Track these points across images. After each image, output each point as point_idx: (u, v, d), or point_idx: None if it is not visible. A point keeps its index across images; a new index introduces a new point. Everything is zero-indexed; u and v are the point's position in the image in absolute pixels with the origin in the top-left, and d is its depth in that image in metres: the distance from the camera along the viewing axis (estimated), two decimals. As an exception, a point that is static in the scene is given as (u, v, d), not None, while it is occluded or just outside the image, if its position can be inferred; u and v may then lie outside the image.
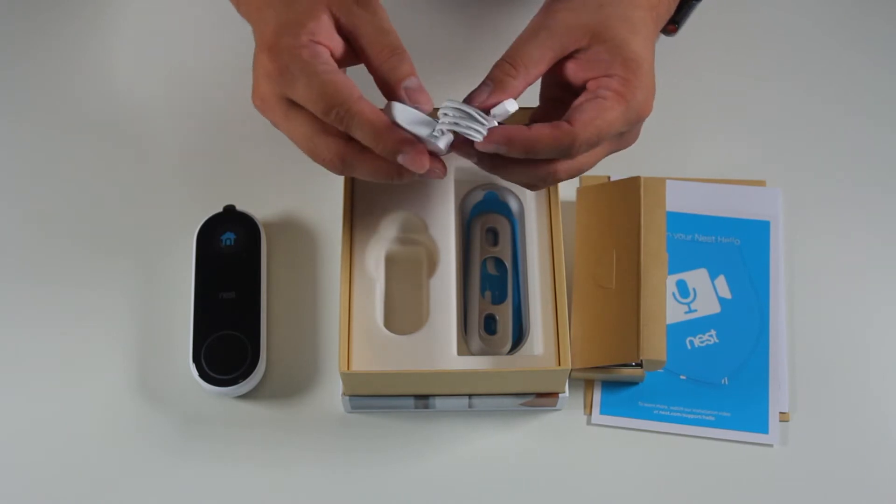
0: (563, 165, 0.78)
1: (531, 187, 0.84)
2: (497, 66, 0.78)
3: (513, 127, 0.76)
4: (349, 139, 0.77)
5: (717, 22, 1.03)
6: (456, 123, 0.76)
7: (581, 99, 0.78)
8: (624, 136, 0.81)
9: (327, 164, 0.78)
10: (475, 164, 0.79)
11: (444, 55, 1.00)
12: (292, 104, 0.77)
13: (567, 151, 0.76)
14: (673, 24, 0.91)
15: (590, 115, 0.76)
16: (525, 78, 0.78)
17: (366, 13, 0.78)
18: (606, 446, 0.86)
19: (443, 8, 1.03)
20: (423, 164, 0.76)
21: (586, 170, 0.80)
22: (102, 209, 0.95)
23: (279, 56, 0.76)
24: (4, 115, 0.99)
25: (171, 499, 0.85)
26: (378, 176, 0.78)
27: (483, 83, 0.78)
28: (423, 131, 0.76)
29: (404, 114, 0.76)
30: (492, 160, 0.78)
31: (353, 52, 0.79)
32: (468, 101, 0.77)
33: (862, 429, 0.87)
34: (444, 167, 0.78)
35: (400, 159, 0.75)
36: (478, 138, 0.76)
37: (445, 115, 0.76)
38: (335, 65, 0.77)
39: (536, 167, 0.78)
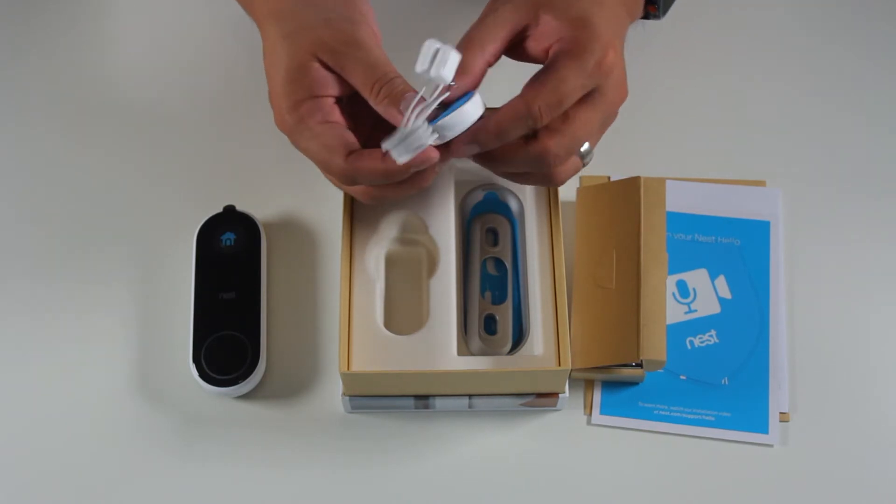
0: (553, 140, 0.78)
1: (546, 180, 0.83)
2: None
3: (475, 125, 0.77)
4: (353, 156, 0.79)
5: (717, 22, 1.03)
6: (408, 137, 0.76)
7: (538, 71, 0.79)
8: (604, 93, 0.79)
9: (361, 200, 0.83)
10: (477, 161, 0.81)
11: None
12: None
13: (530, 119, 0.76)
14: (652, 5, 0.91)
15: (539, 81, 0.77)
16: (482, 57, 0.78)
17: (350, 51, 0.78)
18: (606, 446, 0.86)
19: (445, 8, 1.03)
20: (433, 160, 0.76)
21: (583, 139, 0.79)
22: (102, 209, 0.95)
23: (284, 118, 0.78)
24: (4, 115, 0.99)
25: (171, 499, 0.85)
26: (393, 198, 0.81)
27: None
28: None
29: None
30: (490, 155, 0.79)
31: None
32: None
33: (862, 429, 0.87)
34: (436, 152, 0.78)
35: (413, 169, 0.77)
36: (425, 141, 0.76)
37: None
38: (337, 116, 0.79)
39: (528, 148, 0.78)
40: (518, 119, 0.77)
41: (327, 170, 0.79)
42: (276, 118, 0.80)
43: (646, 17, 0.92)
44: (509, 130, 0.77)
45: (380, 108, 0.77)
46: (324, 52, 0.78)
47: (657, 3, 0.91)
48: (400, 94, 0.76)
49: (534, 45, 0.79)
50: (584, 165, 0.83)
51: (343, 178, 0.78)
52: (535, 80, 0.77)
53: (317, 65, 0.78)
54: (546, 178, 0.83)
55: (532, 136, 0.78)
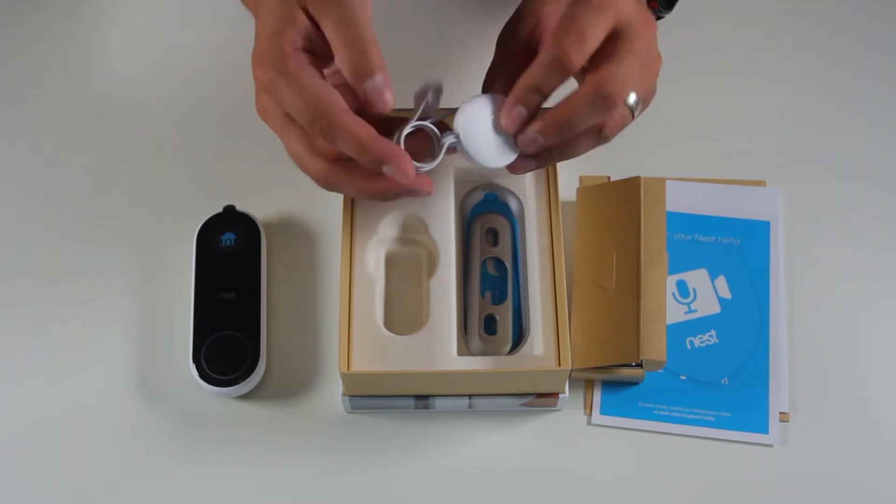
0: (603, 71, 0.76)
1: (597, 136, 0.80)
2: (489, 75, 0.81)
3: (546, 115, 0.76)
4: (335, 160, 0.78)
5: (717, 22, 1.03)
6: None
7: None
8: (629, 39, 0.77)
9: (316, 181, 0.79)
10: (544, 155, 0.80)
11: (449, 53, 1.00)
12: (288, 117, 0.78)
13: (558, 63, 0.75)
14: (654, 0, 0.90)
15: (556, 27, 0.76)
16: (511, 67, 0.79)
17: (331, 5, 0.75)
18: (606, 446, 0.86)
19: (449, 7, 1.03)
20: (409, 175, 0.75)
21: (630, 76, 0.77)
22: (102, 209, 0.95)
23: (267, 70, 0.76)
24: (4, 115, 0.99)
25: (171, 499, 0.85)
26: (362, 193, 0.79)
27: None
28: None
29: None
30: (553, 120, 0.77)
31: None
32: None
33: (862, 429, 0.87)
34: (430, 184, 0.78)
35: (385, 170, 0.75)
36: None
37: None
38: (319, 74, 0.76)
39: (584, 91, 0.76)
40: (550, 67, 0.75)
41: (312, 122, 0.75)
42: (258, 78, 0.77)
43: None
44: (545, 87, 0.76)
45: (343, 69, 0.75)
46: (308, 1, 0.76)
47: None
48: (367, 72, 0.74)
49: (541, 37, 0.79)
50: (632, 118, 0.80)
51: (330, 129, 0.74)
52: (601, 68, 0.76)
53: (303, 15, 0.76)
54: (598, 133, 0.80)
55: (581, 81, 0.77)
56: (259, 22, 0.78)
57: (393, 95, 0.75)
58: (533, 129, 0.78)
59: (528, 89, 0.77)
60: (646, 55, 0.79)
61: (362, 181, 0.78)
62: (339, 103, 0.75)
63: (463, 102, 0.79)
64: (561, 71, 0.76)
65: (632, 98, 0.79)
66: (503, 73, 0.80)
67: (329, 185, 0.79)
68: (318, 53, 0.77)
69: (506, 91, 0.79)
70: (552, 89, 0.77)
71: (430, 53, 1.00)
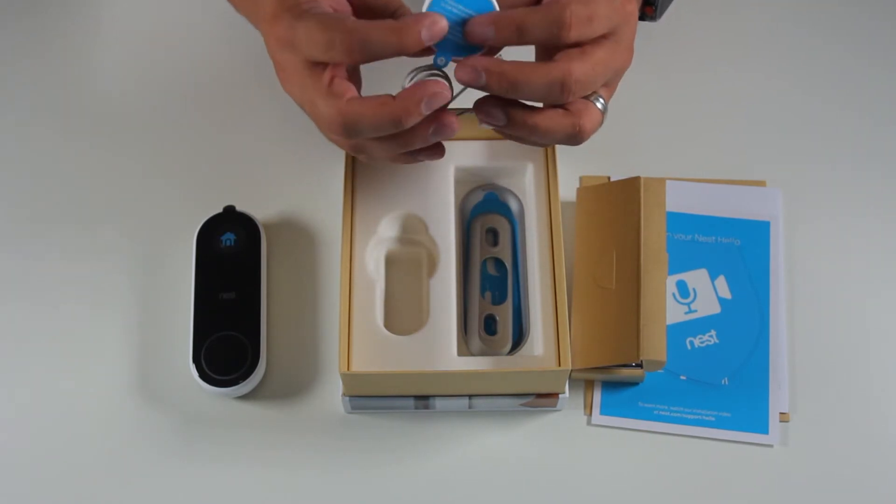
0: (576, 64, 0.75)
1: (572, 134, 0.79)
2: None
3: (499, 11, 0.75)
4: (350, 98, 0.76)
5: (717, 21, 1.03)
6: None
7: None
8: (619, 40, 0.77)
9: (333, 128, 0.77)
10: (484, 82, 0.76)
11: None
12: (307, 68, 0.76)
13: (559, 24, 0.74)
14: (649, 6, 0.90)
15: None
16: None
17: None
18: (607, 447, 0.86)
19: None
20: (445, 92, 0.75)
21: (600, 79, 0.77)
22: (102, 209, 0.95)
23: (282, 18, 0.76)
24: (4, 115, 0.99)
25: (171, 499, 0.85)
26: (381, 123, 0.75)
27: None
28: None
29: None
30: (501, 70, 0.75)
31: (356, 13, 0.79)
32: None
33: (862, 429, 0.87)
34: (457, 122, 0.77)
35: (424, 33, 0.73)
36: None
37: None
38: (331, 9, 0.77)
39: (549, 67, 0.75)
40: (547, 18, 0.74)
41: (330, 44, 0.73)
42: (274, 36, 0.76)
43: (642, 17, 0.92)
44: (531, 27, 0.74)
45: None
46: None
47: (655, 4, 0.91)
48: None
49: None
50: (603, 121, 0.80)
51: (349, 44, 0.73)
52: None
53: None
54: (572, 133, 0.79)
55: (552, 61, 0.76)
56: (262, 6, 0.78)
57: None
58: (481, 61, 0.75)
59: (510, 22, 0.74)
60: (620, 64, 0.79)
61: (382, 108, 0.75)
62: (361, 22, 0.74)
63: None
64: (553, 35, 0.75)
65: (600, 100, 0.79)
66: None
67: (346, 125, 0.76)
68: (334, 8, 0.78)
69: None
70: (529, 42, 0.75)
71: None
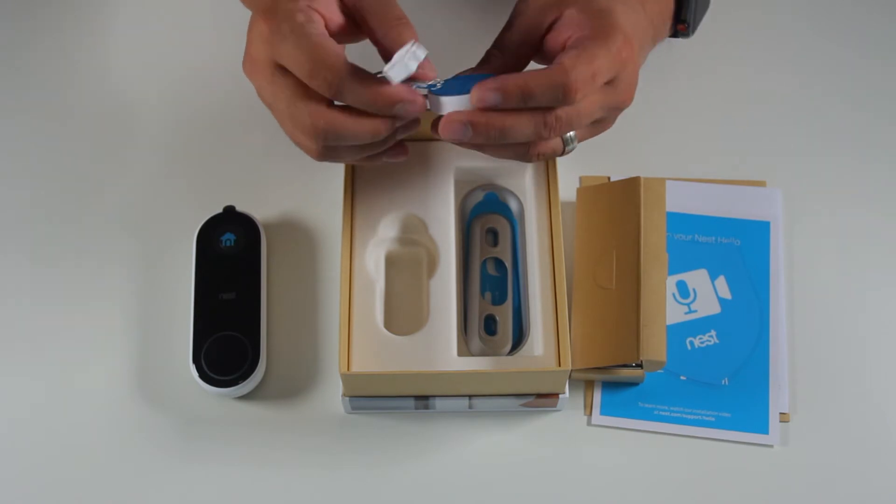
0: (564, 111, 0.77)
1: (523, 154, 0.80)
2: (487, 52, 0.81)
3: (505, 75, 0.76)
4: (330, 105, 0.77)
5: (717, 22, 1.02)
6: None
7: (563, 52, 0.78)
8: (616, 86, 0.79)
9: (307, 131, 0.78)
10: (467, 143, 0.77)
11: (450, 52, 1.00)
12: (280, 69, 0.77)
13: (564, 90, 0.75)
14: (682, 24, 0.91)
15: (576, 53, 0.76)
16: (515, 60, 0.81)
17: None
18: (606, 447, 0.86)
19: (451, 5, 1.03)
20: (421, 107, 0.76)
21: (585, 120, 0.78)
22: (102, 210, 0.95)
23: (274, 16, 0.77)
24: (4, 115, 0.99)
25: (171, 499, 0.85)
26: (360, 135, 0.77)
27: (477, 66, 0.81)
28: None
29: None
30: (488, 121, 0.76)
31: (353, 29, 0.80)
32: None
33: (862, 429, 0.87)
34: (424, 102, 0.78)
35: (398, 109, 0.76)
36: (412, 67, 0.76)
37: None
38: (327, 33, 0.78)
39: (534, 117, 0.76)
40: (554, 85, 0.75)
41: (313, 73, 0.75)
42: (259, 29, 0.78)
43: (674, 34, 0.92)
44: (538, 95, 0.75)
45: (386, 40, 0.77)
46: None
47: (687, 22, 0.90)
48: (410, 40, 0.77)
49: (554, 37, 0.80)
50: (564, 153, 0.81)
51: (331, 82, 0.75)
52: (570, 53, 0.76)
53: None
54: (523, 152, 0.80)
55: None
56: None
57: (433, 67, 0.78)
58: (463, 114, 0.77)
59: (518, 89, 0.75)
60: (612, 107, 0.80)
61: (360, 121, 0.77)
62: (343, 56, 0.76)
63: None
64: (558, 100, 0.76)
65: (570, 133, 0.80)
66: (506, 48, 0.82)
67: (324, 131, 0.77)
68: (329, 22, 0.79)
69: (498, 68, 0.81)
70: (537, 105, 0.76)
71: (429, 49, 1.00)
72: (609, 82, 0.78)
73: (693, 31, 0.92)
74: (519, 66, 0.81)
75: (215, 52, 1.01)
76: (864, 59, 1.01)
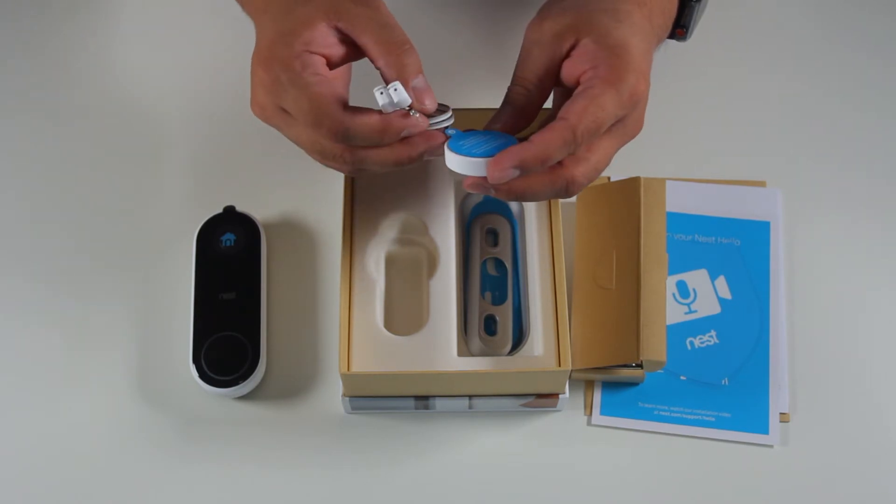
0: (579, 169, 0.77)
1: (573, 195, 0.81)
2: (510, 90, 0.80)
3: (517, 147, 0.75)
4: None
5: (717, 22, 1.02)
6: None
7: (574, 94, 0.78)
8: (626, 124, 0.79)
9: (337, 160, 0.78)
10: (493, 195, 0.78)
11: (448, 54, 1.00)
12: (287, 113, 0.78)
13: (573, 144, 0.76)
14: (681, 28, 0.91)
15: (581, 105, 0.76)
16: (539, 94, 0.80)
17: (365, 10, 0.77)
18: (607, 447, 0.86)
19: (446, 7, 1.03)
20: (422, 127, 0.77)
21: (603, 168, 0.79)
22: (102, 210, 0.95)
23: (271, 67, 0.76)
24: (4, 115, 0.99)
25: (172, 499, 0.85)
26: (388, 163, 0.78)
27: (503, 106, 0.80)
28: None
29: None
30: (509, 188, 0.77)
31: (358, 53, 0.79)
32: (491, 125, 0.79)
33: (862, 429, 0.87)
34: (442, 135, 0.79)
35: (405, 133, 0.76)
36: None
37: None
38: (327, 75, 0.77)
39: (553, 177, 0.77)
40: (564, 144, 0.75)
41: (318, 123, 0.76)
42: (259, 77, 0.78)
43: (671, 36, 0.92)
44: (554, 155, 0.75)
45: (389, 70, 0.76)
46: (335, 12, 0.77)
47: (686, 27, 0.90)
48: (413, 72, 0.76)
49: (569, 67, 0.79)
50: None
51: (335, 131, 0.75)
52: (574, 105, 0.76)
53: (324, 24, 0.77)
54: (563, 196, 0.81)
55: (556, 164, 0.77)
56: (267, 24, 0.78)
57: (434, 99, 0.77)
58: (509, 165, 0.76)
59: (535, 161, 0.75)
60: (624, 142, 0.80)
61: (384, 149, 0.78)
62: (344, 99, 0.76)
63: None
64: (570, 153, 0.76)
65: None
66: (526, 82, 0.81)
67: (354, 158, 0.78)
68: (329, 58, 0.78)
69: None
70: (554, 162, 0.76)
71: (427, 53, 1.00)
72: (617, 123, 0.78)
73: (690, 36, 0.92)
74: (542, 99, 0.80)
75: (216, 52, 1.01)
76: (864, 59, 1.01)
